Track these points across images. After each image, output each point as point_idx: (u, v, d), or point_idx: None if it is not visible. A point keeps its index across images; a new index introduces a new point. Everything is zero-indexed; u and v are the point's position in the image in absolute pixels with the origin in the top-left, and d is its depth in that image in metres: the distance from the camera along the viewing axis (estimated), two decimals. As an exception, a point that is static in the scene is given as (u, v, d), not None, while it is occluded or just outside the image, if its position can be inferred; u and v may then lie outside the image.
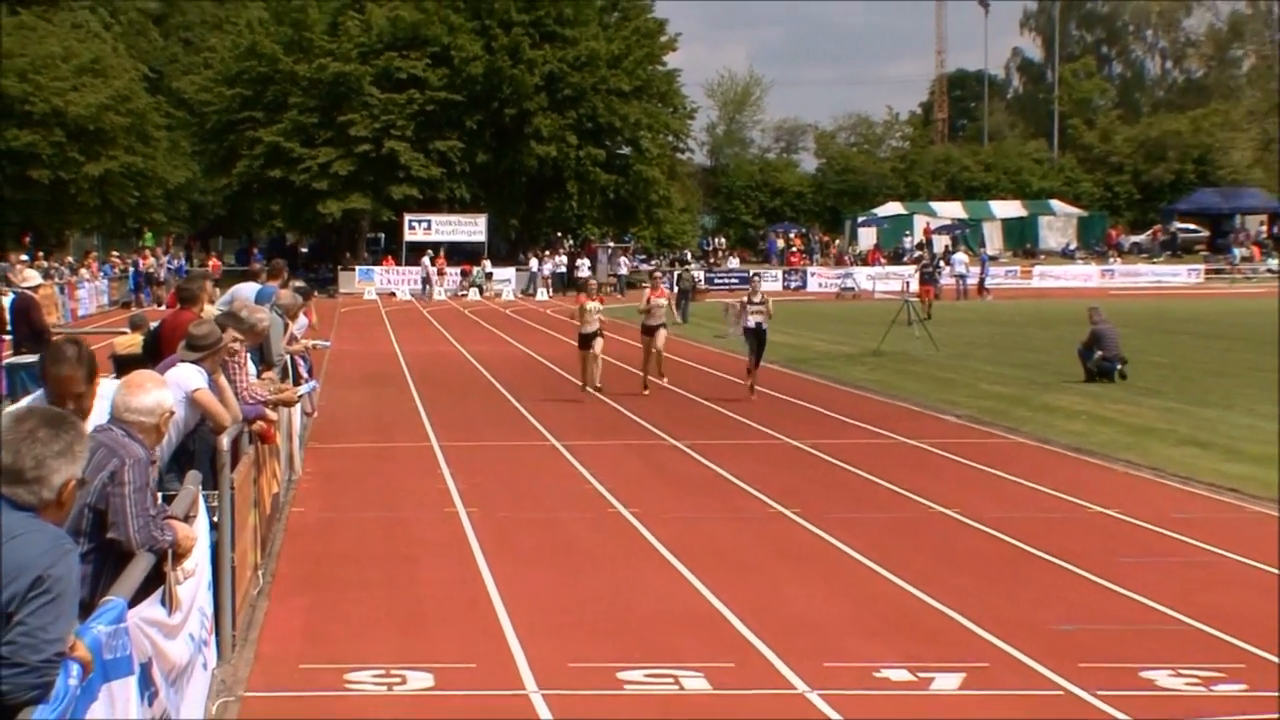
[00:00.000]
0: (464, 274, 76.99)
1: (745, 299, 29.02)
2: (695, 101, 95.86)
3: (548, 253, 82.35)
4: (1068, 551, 14.06)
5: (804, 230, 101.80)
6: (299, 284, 23.27)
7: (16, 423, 5.62)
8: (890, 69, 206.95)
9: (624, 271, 77.65)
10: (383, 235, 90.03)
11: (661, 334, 28.67)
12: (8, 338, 20.67)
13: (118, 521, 7.23)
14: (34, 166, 75.28)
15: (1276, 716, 9.11)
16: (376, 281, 77.53)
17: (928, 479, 18.46)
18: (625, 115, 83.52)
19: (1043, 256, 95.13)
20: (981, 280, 71.52)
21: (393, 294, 74.80)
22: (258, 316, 13.66)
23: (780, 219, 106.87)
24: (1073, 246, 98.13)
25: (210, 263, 77.70)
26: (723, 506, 16.85)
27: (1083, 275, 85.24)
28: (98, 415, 7.99)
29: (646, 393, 27.87)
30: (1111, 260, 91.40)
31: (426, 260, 76.45)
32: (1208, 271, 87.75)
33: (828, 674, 10.17)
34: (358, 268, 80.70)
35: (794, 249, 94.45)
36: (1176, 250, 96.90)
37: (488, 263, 78.33)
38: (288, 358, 17.41)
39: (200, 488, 9.36)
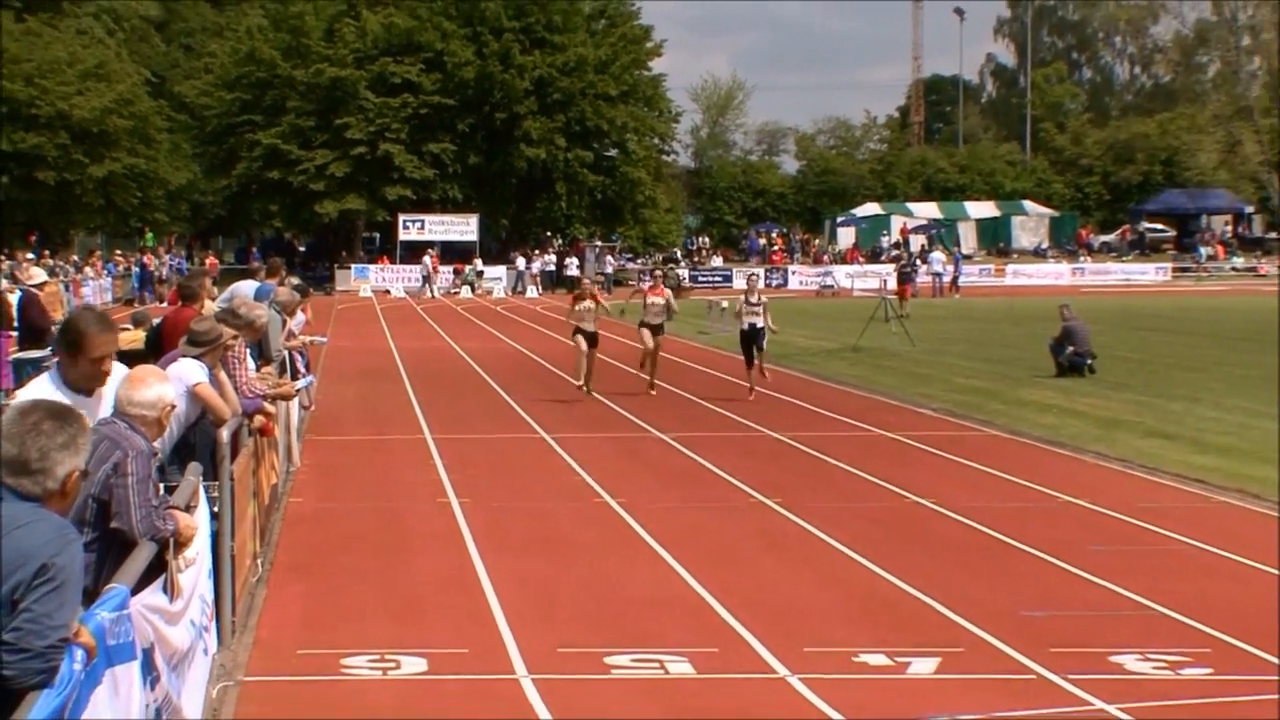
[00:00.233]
0: (456, 272, 76.99)
1: (743, 299, 27.38)
2: (680, 105, 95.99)
3: (537, 251, 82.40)
4: (1040, 540, 14.08)
5: (785, 230, 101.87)
6: (296, 281, 23.25)
7: (21, 416, 5.62)
8: (868, 74, 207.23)
9: (610, 270, 77.63)
10: (378, 235, 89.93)
11: (659, 334, 27.20)
12: (14, 333, 20.67)
13: (121, 512, 7.21)
14: (40, 168, 75.21)
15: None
16: (372, 279, 77.47)
17: (905, 470, 18.47)
18: (612, 119, 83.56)
19: (1015, 255, 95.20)
20: (955, 278, 71.59)
21: (387, 291, 74.76)
22: (256, 313, 13.64)
23: (762, 219, 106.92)
24: (1044, 245, 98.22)
25: (208, 261, 77.59)
26: (707, 497, 16.84)
27: (1054, 273, 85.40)
28: (107, 400, 8.02)
29: (653, 393, 26.79)
30: (1082, 259, 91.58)
31: (428, 259, 76.48)
32: (1174, 270, 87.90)
33: (808, 659, 10.17)
34: (354, 266, 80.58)
35: (776, 248, 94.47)
36: (1144, 249, 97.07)
37: (479, 261, 78.31)
38: (286, 353, 17.38)
39: (201, 479, 9.35)
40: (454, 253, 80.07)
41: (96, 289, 60.02)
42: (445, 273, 76.80)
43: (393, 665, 10.05)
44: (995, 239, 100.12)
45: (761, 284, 29.48)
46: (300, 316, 19.94)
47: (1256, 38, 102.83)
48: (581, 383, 26.68)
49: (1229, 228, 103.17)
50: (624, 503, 16.10)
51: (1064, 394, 26.65)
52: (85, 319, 8.07)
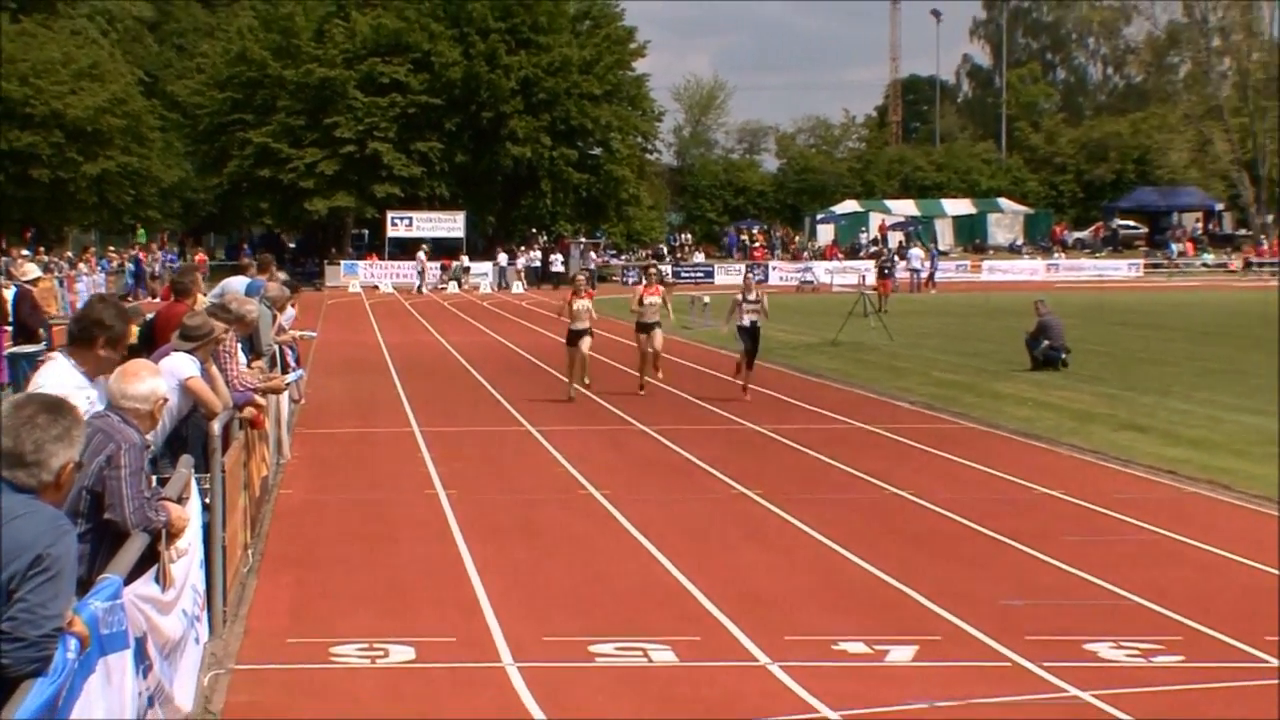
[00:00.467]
0: (444, 268, 76.96)
1: (740, 296, 26.17)
2: (663, 105, 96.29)
3: (522, 248, 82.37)
4: (1015, 530, 14.09)
5: (766, 227, 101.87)
6: (284, 277, 23.16)
7: (16, 409, 5.61)
8: (847, 74, 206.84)
9: (594, 266, 77.59)
10: (366, 231, 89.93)
11: (658, 333, 25.99)
12: (9, 329, 20.57)
13: (114, 503, 7.20)
14: (35, 166, 75.26)
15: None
16: (361, 275, 77.39)
17: (883, 462, 18.48)
18: (596, 118, 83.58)
19: (991, 252, 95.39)
20: (931, 274, 71.69)
21: (376, 287, 74.68)
22: (246, 308, 13.62)
23: (743, 216, 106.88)
24: (1019, 242, 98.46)
25: (197, 257, 77.52)
26: (689, 488, 16.85)
27: (1029, 269, 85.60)
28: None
29: (642, 393, 25.78)
30: (1056, 255, 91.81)
31: (421, 255, 76.42)
32: (1146, 266, 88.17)
33: (788, 647, 10.17)
34: (343, 262, 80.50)
35: (757, 244, 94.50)
36: (1117, 246, 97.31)
37: (465, 257, 78.26)
38: (276, 347, 17.34)
39: (193, 471, 9.34)
40: (441, 249, 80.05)
41: (90, 285, 59.73)
42: (433, 269, 76.77)
43: (381, 654, 10.04)
44: (972, 236, 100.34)
45: (730, 279, 28.93)
46: (290, 311, 19.88)
47: (1226, 39, 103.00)
48: (574, 384, 25.35)
49: (1200, 225, 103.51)
50: (608, 494, 16.09)
51: (1039, 387, 26.68)
52: (105, 310, 8.12)
